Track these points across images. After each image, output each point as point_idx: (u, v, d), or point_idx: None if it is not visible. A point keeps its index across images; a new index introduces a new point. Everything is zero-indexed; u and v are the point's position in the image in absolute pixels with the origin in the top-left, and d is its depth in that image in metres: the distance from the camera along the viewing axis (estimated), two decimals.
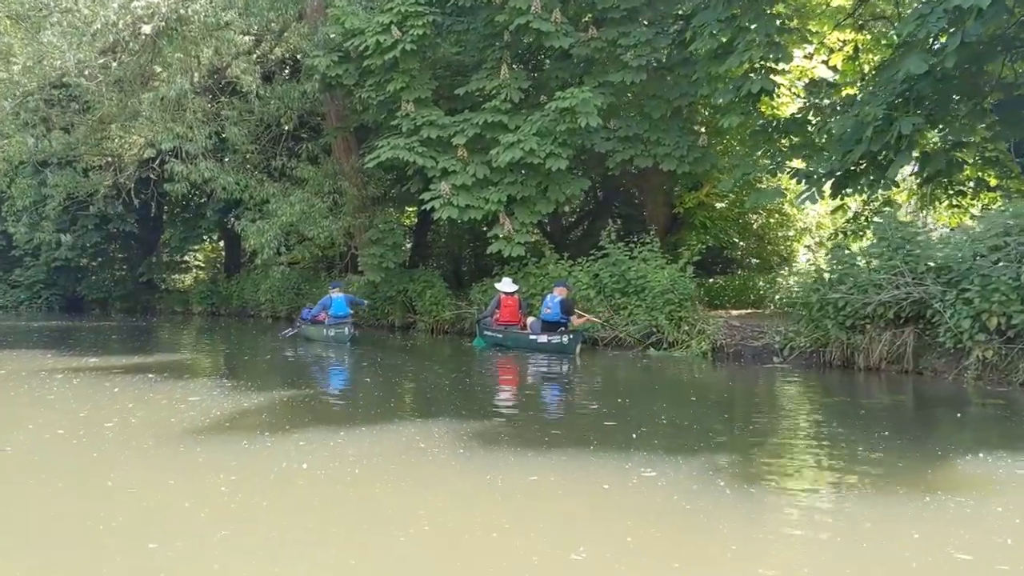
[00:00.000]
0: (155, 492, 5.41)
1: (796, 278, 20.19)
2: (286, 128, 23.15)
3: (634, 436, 7.11)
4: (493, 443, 6.88)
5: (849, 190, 14.36)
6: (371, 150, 18.78)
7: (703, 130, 18.38)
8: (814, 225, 22.39)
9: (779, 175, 17.15)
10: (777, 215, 21.76)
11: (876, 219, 13.06)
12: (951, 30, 11.56)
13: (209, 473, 5.80)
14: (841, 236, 18.84)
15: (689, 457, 6.32)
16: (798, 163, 15.47)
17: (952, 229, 16.32)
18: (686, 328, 14.76)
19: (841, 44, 19.56)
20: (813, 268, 13.27)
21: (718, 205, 20.99)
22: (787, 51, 14.63)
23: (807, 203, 14.73)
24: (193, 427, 7.43)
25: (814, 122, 15.37)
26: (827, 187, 14.52)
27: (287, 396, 9.48)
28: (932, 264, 11.09)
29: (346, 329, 17.15)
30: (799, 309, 12.94)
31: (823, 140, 15.33)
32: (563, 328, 15.23)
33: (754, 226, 21.67)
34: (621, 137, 17.73)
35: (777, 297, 19.74)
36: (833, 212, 18.81)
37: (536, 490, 5.53)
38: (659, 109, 17.75)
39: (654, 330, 15.09)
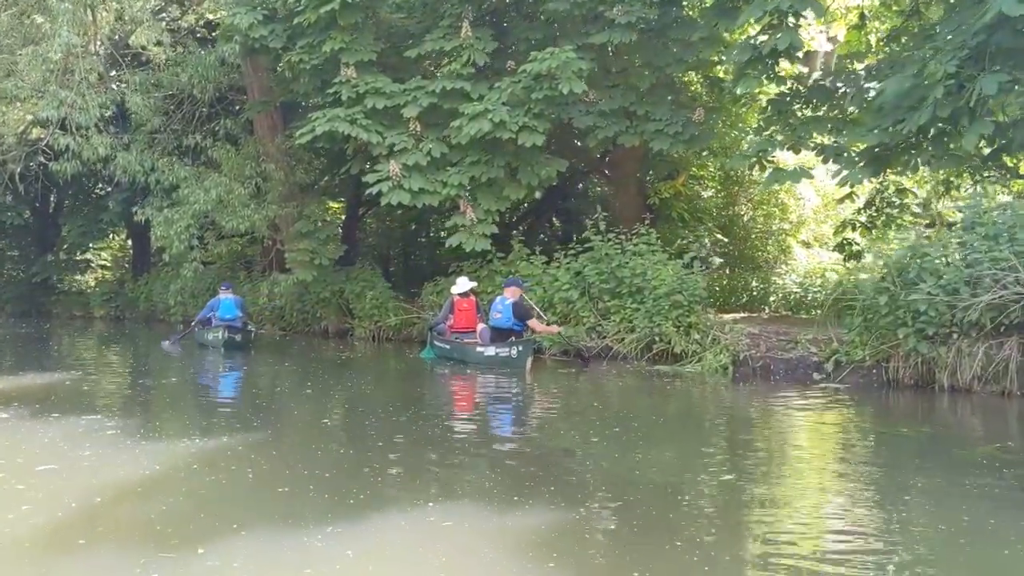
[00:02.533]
0: None
1: (797, 277, 17.88)
2: (203, 110, 19.77)
3: None
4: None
5: (900, 167, 11.86)
6: (304, 123, 15.66)
7: (699, 103, 15.68)
8: (811, 218, 19.94)
9: (784, 153, 14.69)
10: (765, 207, 19.24)
11: (959, 203, 10.54)
12: None
13: None
14: (849, 229, 16.51)
15: None
16: (823, 137, 12.96)
17: None
18: (697, 337, 12.11)
19: (844, 11, 17.19)
20: (880, 263, 10.62)
21: (705, 194, 18.43)
22: (818, 2, 12.03)
23: (843, 186, 12.23)
24: (19, 554, 4.17)
25: (843, 89, 12.82)
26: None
27: (194, 456, 6.29)
28: None
29: (221, 333, 15.55)
30: (857, 314, 10.29)
31: (854, 111, 12.87)
32: (513, 337, 12.48)
33: (744, 218, 19.10)
34: (603, 111, 14.93)
35: (772, 300, 17.39)
36: (840, 201, 16.38)
37: None
38: (648, 79, 15.02)
39: (656, 339, 12.43)
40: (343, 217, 24.47)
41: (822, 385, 10.24)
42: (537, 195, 15.53)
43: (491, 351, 12.38)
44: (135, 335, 21.26)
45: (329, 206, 24.25)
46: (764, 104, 14.55)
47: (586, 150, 18.61)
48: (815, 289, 16.67)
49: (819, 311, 16.24)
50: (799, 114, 13.05)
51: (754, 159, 13.15)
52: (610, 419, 8.28)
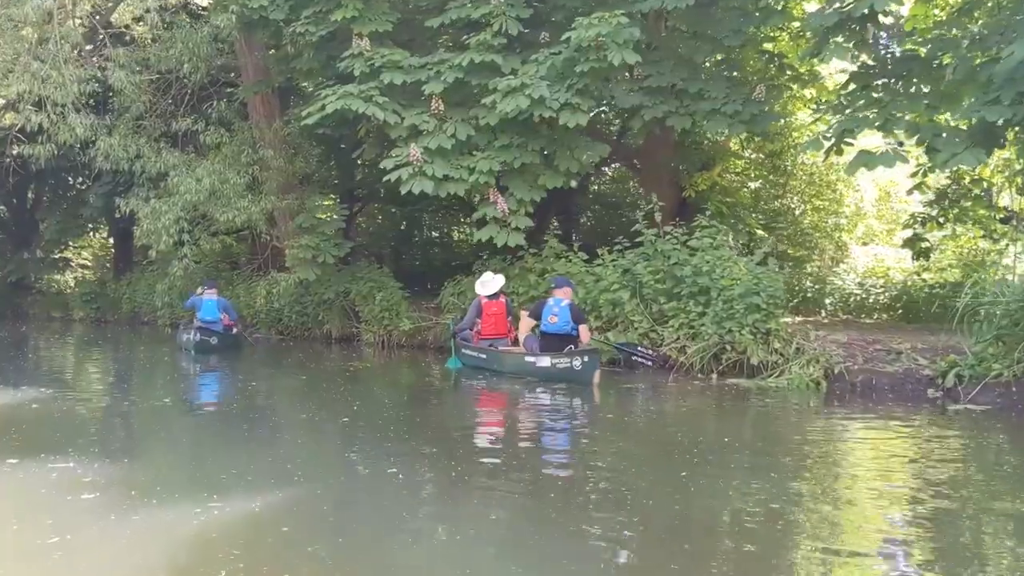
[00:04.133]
0: None
1: (856, 277, 16.21)
2: (193, 92, 17.88)
3: None
4: None
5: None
6: (312, 103, 13.87)
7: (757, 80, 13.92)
8: (868, 212, 18.25)
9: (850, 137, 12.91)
10: (817, 199, 17.46)
11: None
12: None
13: None
14: (916, 224, 14.87)
15: None
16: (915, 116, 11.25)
17: None
18: (777, 346, 10.38)
19: None
20: None
21: (752, 185, 16.72)
22: None
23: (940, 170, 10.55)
24: None
25: (945, 61, 11.08)
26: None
27: (217, 544, 4.19)
28: None
29: (193, 334, 14.56)
30: (998, 319, 8.58)
31: (948, 82, 11.16)
32: (572, 345, 10.61)
33: (796, 212, 17.34)
34: (651, 88, 13.16)
35: (828, 301, 15.71)
36: (909, 192, 14.71)
37: None
38: (702, 52, 13.28)
39: (727, 348, 10.69)
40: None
41: (954, 407, 8.50)
42: (573, 184, 13.76)
43: (545, 361, 10.44)
44: (118, 340, 19.39)
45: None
46: (838, 80, 12.85)
47: (609, 138, 16.94)
48: (877, 290, 15.01)
49: (884, 315, 14.68)
50: (888, 88, 11.31)
51: (832, 142, 11.45)
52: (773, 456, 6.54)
